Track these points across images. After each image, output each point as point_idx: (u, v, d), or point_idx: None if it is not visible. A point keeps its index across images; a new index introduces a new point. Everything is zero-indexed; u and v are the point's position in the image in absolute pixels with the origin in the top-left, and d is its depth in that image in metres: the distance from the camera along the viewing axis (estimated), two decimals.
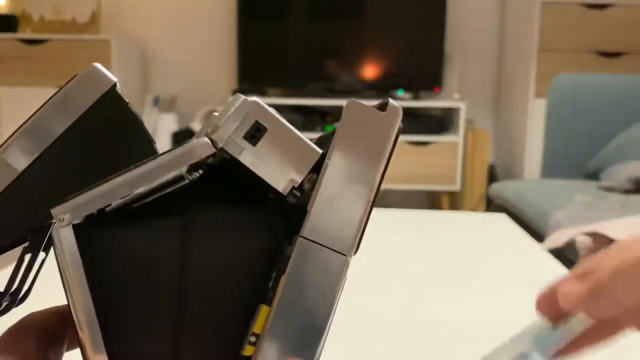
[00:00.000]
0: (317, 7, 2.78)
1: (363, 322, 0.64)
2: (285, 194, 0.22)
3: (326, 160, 0.22)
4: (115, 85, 0.24)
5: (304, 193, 0.23)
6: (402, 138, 1.87)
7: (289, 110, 2.60)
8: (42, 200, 0.23)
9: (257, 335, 0.22)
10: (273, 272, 0.22)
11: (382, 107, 0.23)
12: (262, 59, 2.78)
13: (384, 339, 0.61)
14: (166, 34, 2.90)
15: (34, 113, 0.23)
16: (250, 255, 0.22)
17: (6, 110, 2.50)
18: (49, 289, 0.27)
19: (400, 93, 2.79)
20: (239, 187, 0.24)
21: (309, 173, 0.23)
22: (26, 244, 0.23)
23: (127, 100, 0.25)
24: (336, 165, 0.22)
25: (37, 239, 0.23)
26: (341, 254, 0.22)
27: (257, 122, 0.22)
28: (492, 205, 2.36)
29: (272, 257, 0.22)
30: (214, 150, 0.22)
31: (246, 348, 0.22)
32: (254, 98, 0.23)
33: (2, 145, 0.23)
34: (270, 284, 0.22)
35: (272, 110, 0.23)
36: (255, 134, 0.22)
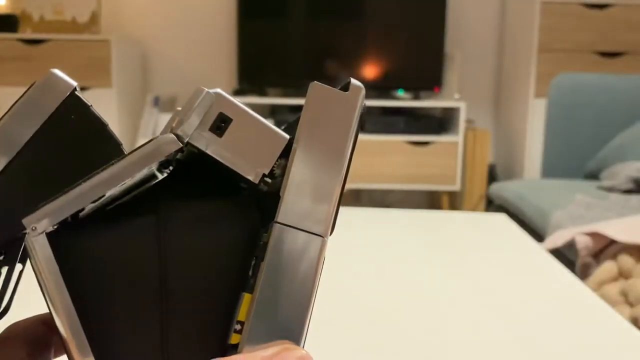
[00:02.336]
0: (317, 7, 2.78)
1: (363, 322, 0.64)
2: (256, 182, 0.23)
3: (294, 145, 0.22)
4: (75, 89, 0.24)
5: (275, 179, 0.23)
6: (402, 138, 1.88)
7: (289, 110, 2.60)
8: (12, 211, 0.22)
9: (242, 323, 0.22)
10: (252, 260, 0.23)
11: (345, 87, 0.23)
12: (262, 59, 2.78)
13: (383, 338, 0.61)
14: (166, 34, 2.90)
15: None
16: (227, 246, 0.23)
17: (6, 110, 2.49)
18: (28, 298, 0.27)
19: (400, 93, 2.79)
20: (211, 179, 0.24)
21: (278, 159, 0.23)
22: (1, 258, 0.23)
23: (89, 104, 0.24)
24: (304, 149, 0.22)
25: (13, 251, 0.23)
26: (318, 235, 0.22)
27: (221, 114, 0.22)
28: (492, 205, 2.36)
29: (249, 245, 0.23)
30: (181, 145, 0.22)
31: (232, 336, 0.22)
32: (217, 89, 0.23)
33: None
34: (251, 272, 0.22)
35: (235, 101, 0.23)
36: (220, 125, 0.22)
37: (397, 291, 0.74)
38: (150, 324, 0.22)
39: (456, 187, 2.67)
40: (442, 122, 2.74)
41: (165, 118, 2.66)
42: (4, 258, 0.23)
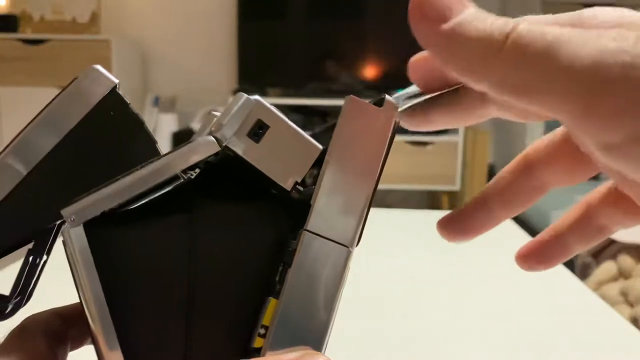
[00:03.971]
0: (317, 7, 2.78)
1: (363, 323, 0.64)
2: (288, 189, 0.23)
3: (327, 157, 0.23)
4: (116, 86, 0.24)
5: (306, 188, 0.23)
6: (402, 138, 1.88)
7: (288, 110, 2.60)
8: (47, 202, 0.23)
9: (266, 328, 0.22)
10: (279, 265, 0.23)
11: (379, 102, 0.24)
12: (262, 59, 2.78)
13: (383, 339, 0.61)
14: (166, 34, 2.90)
15: (28, 124, 0.23)
16: (257, 249, 0.23)
17: (6, 110, 2.50)
18: (43, 291, 0.27)
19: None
20: (241, 183, 0.24)
21: (310, 168, 0.23)
22: (30, 247, 0.24)
23: (128, 102, 0.25)
24: (337, 161, 0.23)
25: (42, 241, 0.23)
26: (344, 245, 0.23)
27: (259, 120, 0.23)
28: None
29: (278, 250, 0.23)
30: (219, 148, 0.22)
31: (256, 340, 0.22)
32: (256, 96, 0.23)
33: (4, 149, 0.23)
34: (277, 278, 0.23)
35: (273, 108, 0.23)
36: (257, 131, 0.23)
37: (397, 291, 0.74)
38: (175, 322, 0.22)
39: (456, 187, 2.66)
40: None
41: (165, 118, 2.67)
42: (32, 248, 0.24)
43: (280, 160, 0.23)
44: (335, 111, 2.95)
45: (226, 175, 0.24)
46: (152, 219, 0.23)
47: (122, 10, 2.87)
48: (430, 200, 2.95)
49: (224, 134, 0.22)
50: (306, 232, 0.22)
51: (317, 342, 0.23)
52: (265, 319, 0.22)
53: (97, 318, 0.22)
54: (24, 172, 0.23)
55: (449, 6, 0.19)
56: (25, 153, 0.23)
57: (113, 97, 0.24)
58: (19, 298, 0.23)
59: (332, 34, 2.79)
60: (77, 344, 0.26)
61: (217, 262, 0.23)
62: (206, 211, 0.23)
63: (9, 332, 0.24)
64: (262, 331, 0.22)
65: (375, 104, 0.24)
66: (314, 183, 0.23)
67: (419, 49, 0.22)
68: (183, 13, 2.88)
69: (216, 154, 0.23)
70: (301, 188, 0.23)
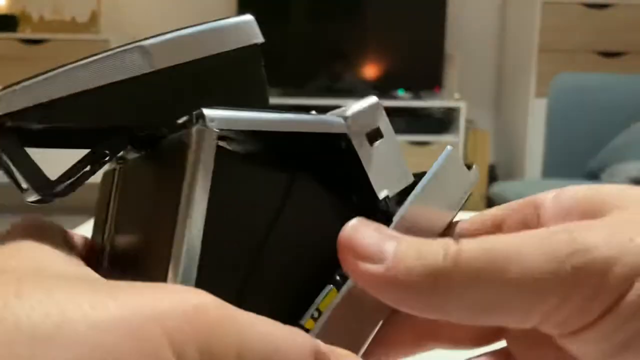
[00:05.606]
0: (317, 7, 2.78)
1: None
2: (380, 198, 0.24)
3: (414, 193, 0.24)
4: (257, 44, 0.25)
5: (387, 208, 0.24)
6: (403, 138, 1.87)
7: (289, 110, 2.59)
8: (153, 105, 0.22)
9: (320, 313, 0.22)
10: None
11: (468, 165, 0.26)
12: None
13: None
14: None
15: (168, 33, 0.23)
16: (334, 238, 0.23)
17: None
18: None
19: (401, 93, 2.79)
20: (332, 178, 0.25)
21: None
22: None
23: (262, 63, 0.25)
24: (422, 200, 0.24)
25: (121, 140, 0.22)
26: None
27: (379, 128, 0.24)
28: (492, 205, 2.35)
29: None
30: (345, 132, 0.23)
31: (308, 321, 0.22)
32: (382, 105, 0.24)
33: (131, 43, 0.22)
34: (342, 271, 0.23)
35: (389, 122, 0.24)
36: (374, 136, 0.24)
37: None
38: (240, 260, 0.22)
39: None
40: (442, 122, 2.74)
41: None
42: (112, 142, 0.22)
43: (380, 171, 0.24)
44: None
45: (323, 165, 0.25)
46: (263, 163, 0.23)
47: (122, 10, 2.87)
48: None
49: (349, 125, 0.23)
50: None
51: (358, 346, 0.23)
52: (322, 305, 0.22)
53: (184, 236, 0.19)
54: (147, 70, 0.22)
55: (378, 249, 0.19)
56: (151, 53, 0.22)
57: (253, 50, 0.25)
58: (62, 188, 0.21)
59: (333, 34, 2.79)
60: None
61: (301, 225, 0.23)
62: (305, 179, 0.23)
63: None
64: (315, 314, 0.22)
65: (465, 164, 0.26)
66: (388, 208, 0.24)
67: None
68: (183, 13, 2.88)
69: (334, 137, 0.23)
70: (385, 205, 0.24)
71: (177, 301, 0.15)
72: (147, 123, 0.22)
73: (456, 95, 2.73)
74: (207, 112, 0.20)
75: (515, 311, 0.17)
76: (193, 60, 0.23)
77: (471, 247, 0.18)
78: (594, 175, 2.20)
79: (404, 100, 2.74)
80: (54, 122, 0.21)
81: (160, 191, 0.21)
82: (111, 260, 0.24)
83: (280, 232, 0.22)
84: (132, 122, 0.22)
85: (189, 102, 0.21)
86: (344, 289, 0.22)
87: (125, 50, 0.21)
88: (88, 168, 0.22)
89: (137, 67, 0.21)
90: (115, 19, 2.84)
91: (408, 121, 2.62)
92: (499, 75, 2.99)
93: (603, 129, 2.27)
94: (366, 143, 0.24)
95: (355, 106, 0.24)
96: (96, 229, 0.26)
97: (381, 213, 0.24)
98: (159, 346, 0.14)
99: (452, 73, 2.77)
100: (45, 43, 2.54)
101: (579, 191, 0.21)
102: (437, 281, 0.18)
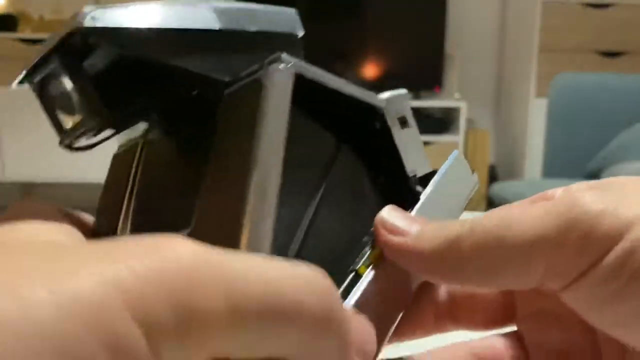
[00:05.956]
0: (317, 7, 2.78)
1: None
2: (410, 176, 0.26)
3: (430, 187, 0.26)
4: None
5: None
6: None
7: None
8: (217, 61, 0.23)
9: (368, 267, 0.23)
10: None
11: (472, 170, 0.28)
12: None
13: None
14: None
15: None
16: (371, 210, 0.24)
17: (6, 110, 2.49)
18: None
19: None
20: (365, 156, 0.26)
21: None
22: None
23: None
24: (434, 194, 0.26)
25: (154, 103, 0.22)
26: None
27: (405, 116, 0.26)
28: (492, 205, 2.36)
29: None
30: (382, 112, 0.25)
31: (361, 267, 0.22)
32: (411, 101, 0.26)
33: None
34: (369, 262, 0.23)
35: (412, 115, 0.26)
36: (404, 122, 0.26)
37: None
38: (303, 195, 0.22)
39: None
40: (442, 122, 2.74)
41: None
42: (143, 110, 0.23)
43: (409, 154, 0.26)
44: None
45: (362, 140, 0.26)
46: (320, 120, 0.24)
47: None
48: None
49: (387, 107, 0.25)
50: None
51: (383, 334, 0.23)
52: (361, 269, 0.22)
53: (260, 174, 0.18)
54: (217, 27, 0.23)
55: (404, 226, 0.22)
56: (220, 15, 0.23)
57: (298, 40, 0.29)
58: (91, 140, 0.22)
59: (332, 34, 2.79)
60: None
61: (336, 197, 0.23)
62: (346, 152, 0.25)
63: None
64: (367, 262, 0.22)
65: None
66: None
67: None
68: None
69: (374, 113, 0.25)
70: (416, 181, 0.26)
71: (139, 261, 0.13)
72: (206, 77, 0.22)
73: (456, 95, 2.73)
74: (284, 55, 0.21)
75: (518, 268, 0.19)
76: (255, 31, 0.25)
77: (486, 215, 0.21)
78: (594, 175, 2.20)
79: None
80: (132, 51, 0.20)
81: (225, 143, 0.20)
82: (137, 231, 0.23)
83: (326, 195, 0.23)
84: (196, 69, 0.22)
85: (240, 68, 0.22)
86: (371, 274, 0.22)
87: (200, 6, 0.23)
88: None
89: (208, 21, 0.22)
90: None
91: None
92: (499, 75, 2.99)
93: (603, 129, 2.27)
94: (398, 125, 0.25)
95: (387, 93, 0.25)
96: (104, 212, 0.24)
97: (409, 190, 0.25)
98: (118, 322, 0.12)
99: (452, 73, 2.77)
100: None
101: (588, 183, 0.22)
102: (457, 246, 0.20)
